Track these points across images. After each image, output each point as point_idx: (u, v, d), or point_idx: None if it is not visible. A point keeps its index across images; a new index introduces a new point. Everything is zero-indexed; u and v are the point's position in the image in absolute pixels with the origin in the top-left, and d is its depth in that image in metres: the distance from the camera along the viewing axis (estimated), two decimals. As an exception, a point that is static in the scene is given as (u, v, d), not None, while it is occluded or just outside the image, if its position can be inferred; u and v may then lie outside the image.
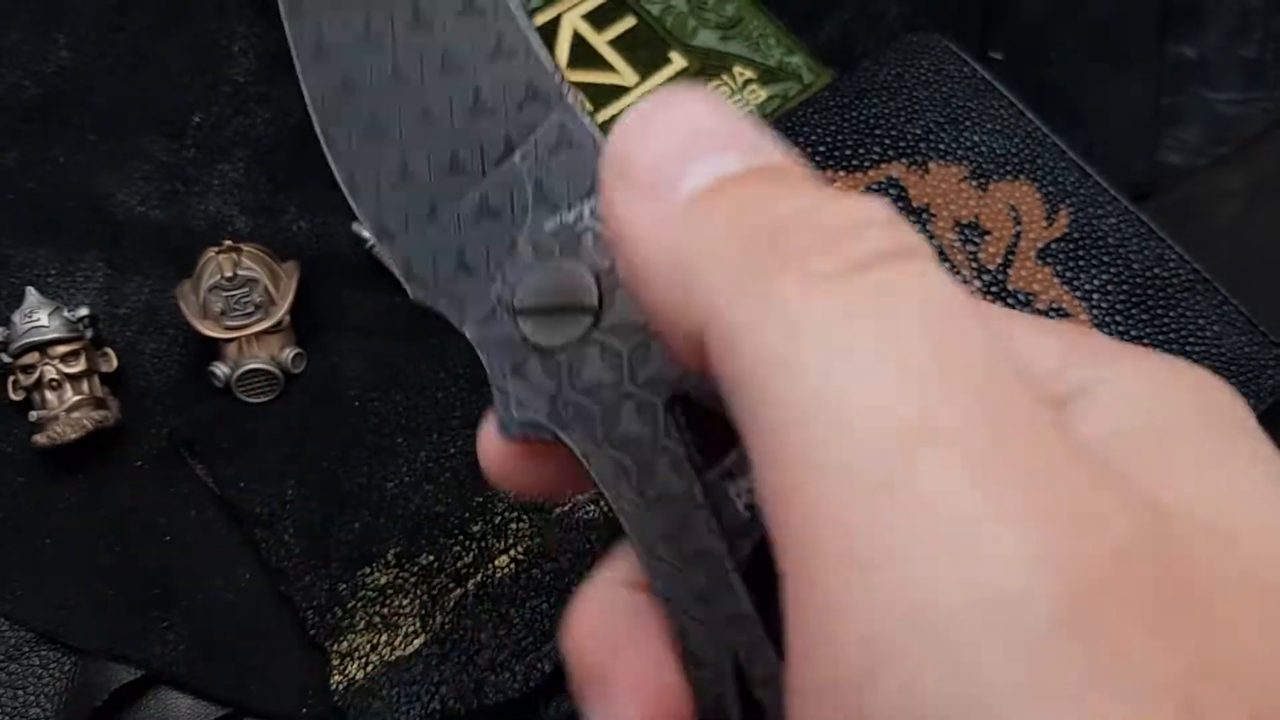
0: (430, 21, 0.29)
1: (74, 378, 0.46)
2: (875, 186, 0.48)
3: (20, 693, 0.43)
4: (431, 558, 0.44)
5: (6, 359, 0.47)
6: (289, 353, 0.47)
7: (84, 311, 0.48)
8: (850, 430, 0.18)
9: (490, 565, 0.44)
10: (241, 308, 0.47)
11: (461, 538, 0.44)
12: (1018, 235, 0.48)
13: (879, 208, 0.21)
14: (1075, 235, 0.48)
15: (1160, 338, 0.46)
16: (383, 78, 0.29)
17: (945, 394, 0.18)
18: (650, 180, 0.22)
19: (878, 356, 0.18)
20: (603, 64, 0.54)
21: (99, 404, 0.46)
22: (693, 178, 0.21)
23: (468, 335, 0.28)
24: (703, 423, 0.25)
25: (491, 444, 0.27)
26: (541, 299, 0.27)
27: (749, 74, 0.54)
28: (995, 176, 0.49)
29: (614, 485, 0.26)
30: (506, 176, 0.28)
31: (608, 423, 0.26)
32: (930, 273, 0.20)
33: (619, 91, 0.53)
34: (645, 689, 0.25)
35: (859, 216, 0.20)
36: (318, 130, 0.30)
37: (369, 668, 0.42)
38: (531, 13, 0.29)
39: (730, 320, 0.20)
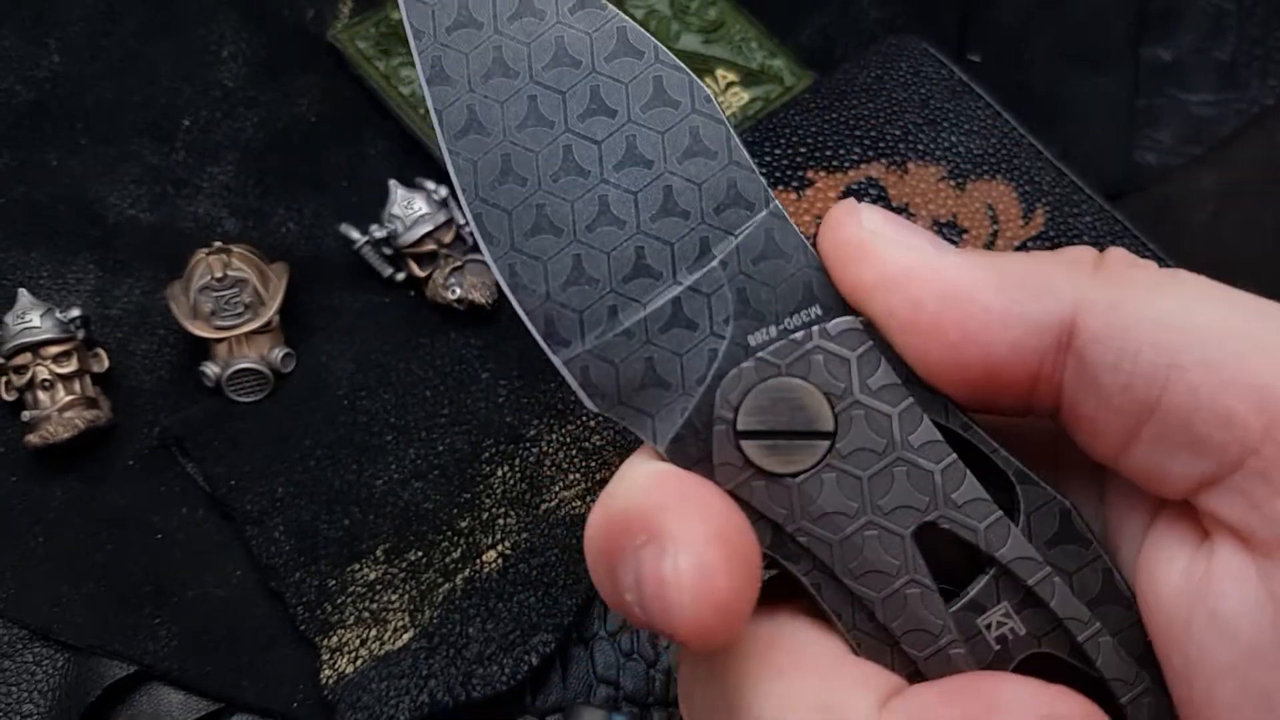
0: (613, 109, 0.26)
1: (66, 378, 0.47)
2: (856, 186, 0.49)
3: (14, 689, 0.43)
4: (420, 554, 0.44)
5: (-1, 360, 0.47)
6: (278, 352, 0.48)
7: (76, 312, 0.48)
8: None
9: (478, 561, 0.44)
10: (231, 308, 0.47)
11: (449, 534, 0.45)
12: (995, 234, 0.48)
13: None
14: (1051, 234, 0.49)
15: (1135, 334, 0.47)
16: (552, 165, 0.26)
17: None
18: (921, 235, 0.25)
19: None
20: (587, 67, 0.55)
21: (91, 404, 0.47)
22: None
23: (663, 454, 0.26)
24: (935, 553, 0.25)
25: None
26: (771, 422, 0.25)
27: (731, 77, 0.55)
28: (973, 176, 0.50)
29: (850, 618, 0.25)
30: (703, 283, 0.26)
31: (847, 553, 0.25)
32: None
33: (603, 94, 0.54)
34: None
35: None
36: (467, 212, 0.27)
37: (358, 662, 0.43)
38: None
39: (1118, 300, 0.24)
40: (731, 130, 0.27)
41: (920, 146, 0.50)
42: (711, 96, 0.27)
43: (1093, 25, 0.58)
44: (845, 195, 0.49)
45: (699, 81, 0.27)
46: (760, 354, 0.25)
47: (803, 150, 0.50)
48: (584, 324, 0.26)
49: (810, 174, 0.49)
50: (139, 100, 0.55)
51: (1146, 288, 0.24)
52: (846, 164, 0.49)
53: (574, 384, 0.26)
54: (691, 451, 0.26)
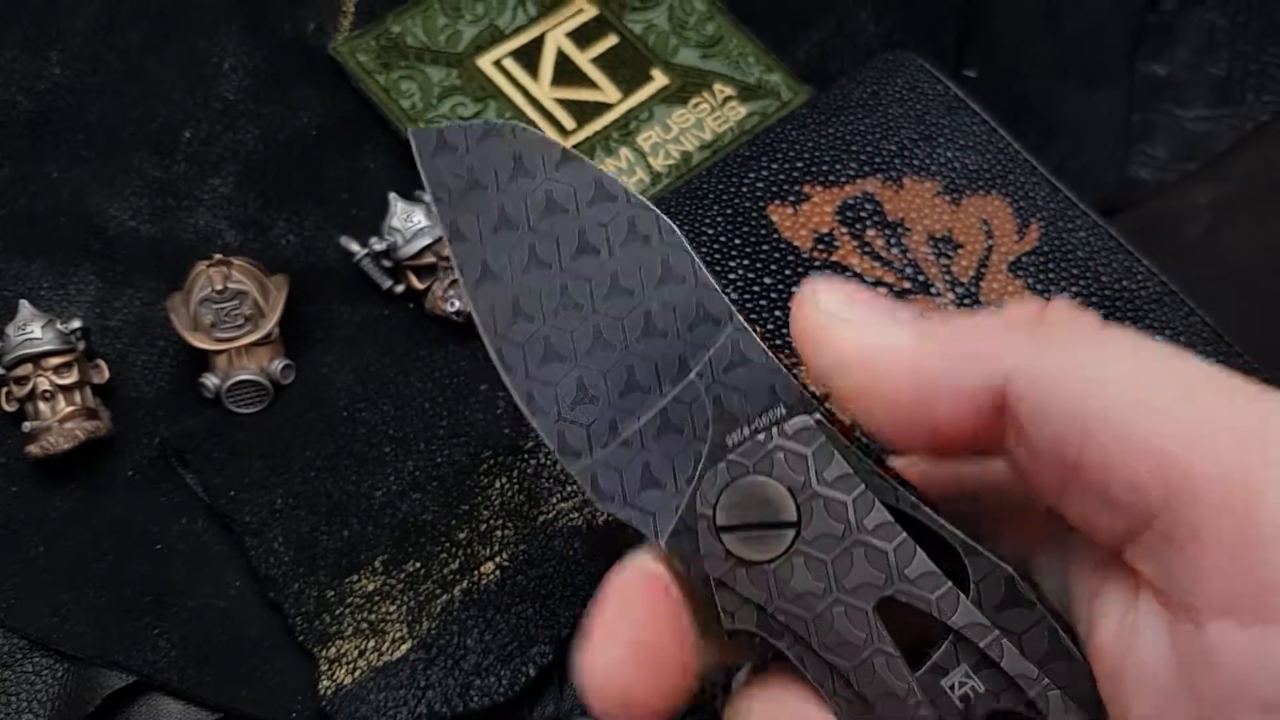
0: (596, 248, 0.31)
1: (66, 389, 0.47)
2: (851, 201, 0.49)
3: (13, 699, 0.43)
4: (418, 565, 0.45)
5: (0, 370, 0.47)
6: (278, 364, 0.48)
7: (76, 324, 0.48)
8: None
9: (476, 572, 0.44)
10: (231, 320, 0.48)
11: (448, 545, 0.45)
12: (990, 249, 0.49)
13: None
14: (1046, 249, 0.49)
15: (1129, 348, 0.47)
16: (552, 301, 0.30)
17: None
18: (874, 310, 0.28)
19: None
20: (586, 81, 0.55)
21: (91, 415, 0.47)
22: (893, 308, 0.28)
23: (665, 547, 0.29)
24: (902, 623, 0.28)
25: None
26: (744, 516, 0.28)
27: (729, 91, 0.55)
28: (968, 191, 0.50)
29: (830, 686, 0.28)
30: (685, 394, 0.30)
31: (820, 628, 0.28)
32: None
33: (602, 108, 0.54)
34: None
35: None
36: (490, 350, 0.31)
37: (357, 673, 0.43)
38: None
39: (1043, 364, 0.25)
40: (695, 257, 0.31)
41: (916, 162, 0.50)
42: (675, 229, 0.31)
43: (1089, 42, 0.58)
44: (841, 210, 0.49)
45: (664, 217, 0.31)
46: (731, 455, 0.29)
47: (799, 165, 0.50)
48: (591, 437, 0.30)
49: (806, 188, 0.49)
50: (140, 112, 0.55)
51: (1069, 349, 0.25)
52: (842, 179, 0.50)
53: (588, 490, 0.30)
54: (686, 544, 0.29)
